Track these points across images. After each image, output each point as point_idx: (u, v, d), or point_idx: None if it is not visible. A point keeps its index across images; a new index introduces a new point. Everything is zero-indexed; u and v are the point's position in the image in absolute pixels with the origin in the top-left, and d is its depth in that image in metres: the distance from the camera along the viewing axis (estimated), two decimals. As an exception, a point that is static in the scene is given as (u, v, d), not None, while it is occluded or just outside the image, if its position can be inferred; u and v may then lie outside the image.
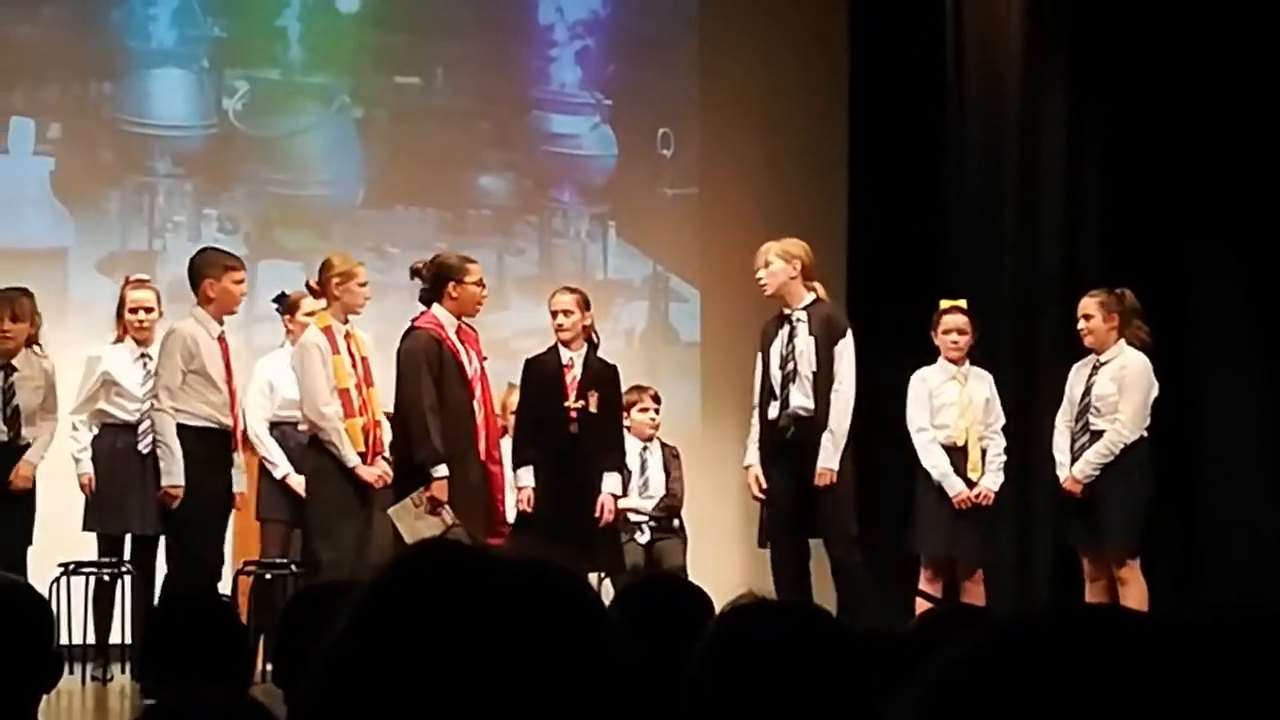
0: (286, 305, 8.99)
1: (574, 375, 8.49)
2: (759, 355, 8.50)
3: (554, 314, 8.56)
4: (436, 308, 8.25)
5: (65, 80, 10.54)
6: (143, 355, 8.71)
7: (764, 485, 8.39)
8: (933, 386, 8.73)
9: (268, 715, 2.41)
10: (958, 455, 8.69)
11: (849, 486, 8.30)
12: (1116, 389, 8.50)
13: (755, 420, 8.52)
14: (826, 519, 8.24)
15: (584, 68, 11.56)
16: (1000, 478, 8.71)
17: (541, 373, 8.55)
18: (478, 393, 8.28)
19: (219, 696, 2.51)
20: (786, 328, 8.37)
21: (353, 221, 10.94)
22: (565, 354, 8.58)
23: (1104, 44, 10.18)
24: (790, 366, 8.33)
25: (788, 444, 8.32)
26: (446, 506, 8.03)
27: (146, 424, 8.53)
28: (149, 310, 8.80)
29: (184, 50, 10.77)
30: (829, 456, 8.22)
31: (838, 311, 8.47)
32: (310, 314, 8.81)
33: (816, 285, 8.44)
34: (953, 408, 8.73)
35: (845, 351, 8.31)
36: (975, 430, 8.71)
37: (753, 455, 8.48)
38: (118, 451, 8.71)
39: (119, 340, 8.90)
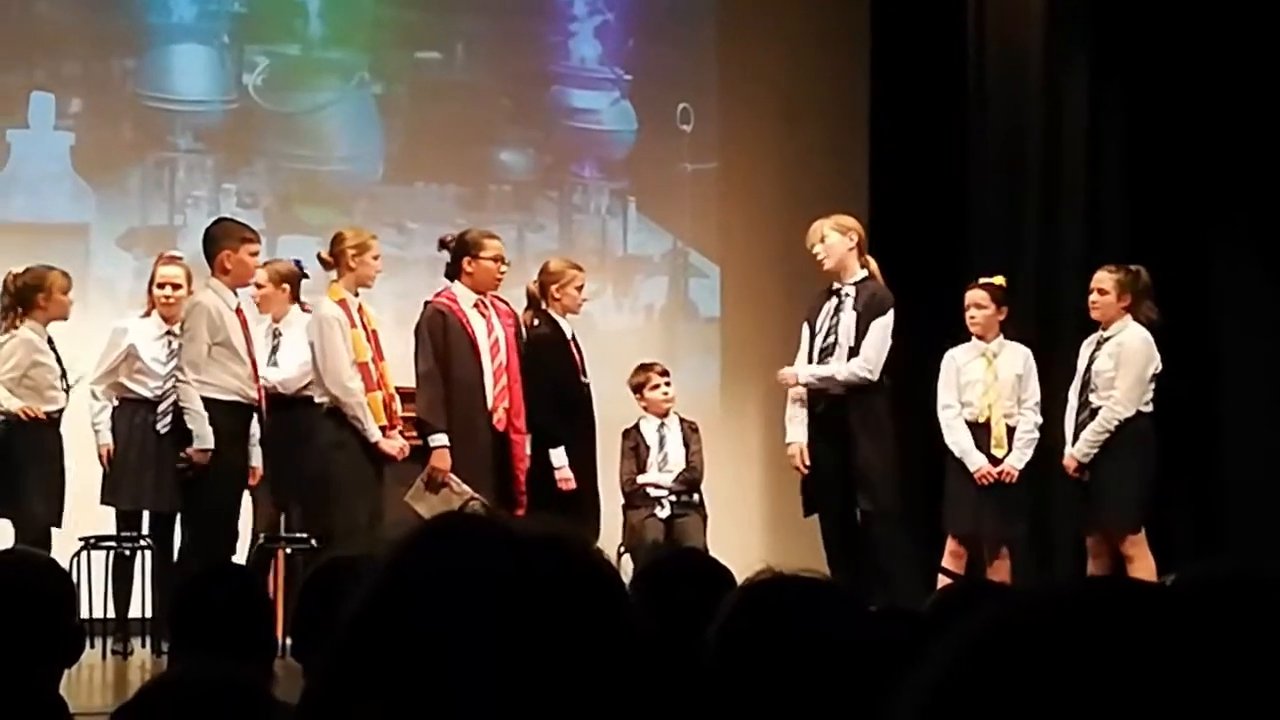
0: None
1: (576, 351, 8.65)
2: (804, 326, 8.57)
3: (579, 288, 8.70)
4: (455, 283, 8.38)
5: (86, 55, 10.55)
6: (168, 333, 8.72)
7: (808, 462, 8.44)
8: (960, 364, 8.73)
9: (267, 694, 2.42)
10: (981, 432, 8.67)
11: (890, 460, 8.36)
12: (1114, 365, 8.47)
13: (795, 396, 8.56)
14: (867, 493, 8.31)
15: (604, 43, 11.55)
16: (1027, 455, 8.66)
17: (555, 349, 8.60)
18: (494, 364, 8.32)
19: (224, 672, 2.52)
20: (834, 301, 8.48)
21: (373, 197, 10.95)
22: (566, 327, 8.68)
23: (1125, 22, 10.15)
24: (831, 339, 8.41)
25: (829, 416, 8.38)
26: (452, 477, 8.10)
27: (166, 404, 8.55)
28: (176, 286, 8.80)
29: (204, 25, 10.77)
30: (808, 372, 8.40)
31: (885, 291, 8.49)
32: (261, 285, 8.88)
33: (870, 261, 8.51)
34: (977, 384, 8.71)
35: (878, 326, 8.37)
36: (1000, 407, 8.68)
37: (793, 434, 8.53)
38: (135, 427, 8.73)
39: (147, 314, 8.93)
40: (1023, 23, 10.61)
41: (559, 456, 8.43)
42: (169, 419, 8.51)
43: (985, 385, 8.71)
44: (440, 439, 8.16)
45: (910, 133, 10.93)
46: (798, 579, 2.43)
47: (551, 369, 8.59)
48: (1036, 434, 8.71)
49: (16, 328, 8.47)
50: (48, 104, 10.41)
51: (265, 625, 3.78)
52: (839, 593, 2.45)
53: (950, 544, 8.66)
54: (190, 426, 8.01)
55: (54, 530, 8.39)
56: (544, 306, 8.70)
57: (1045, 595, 0.93)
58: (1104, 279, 8.58)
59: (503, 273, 8.45)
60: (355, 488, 8.13)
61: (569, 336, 8.71)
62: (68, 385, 8.55)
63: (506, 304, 8.62)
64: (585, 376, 8.72)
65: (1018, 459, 8.65)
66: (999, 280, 8.83)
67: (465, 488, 8.09)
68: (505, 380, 8.36)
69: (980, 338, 8.74)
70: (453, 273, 8.44)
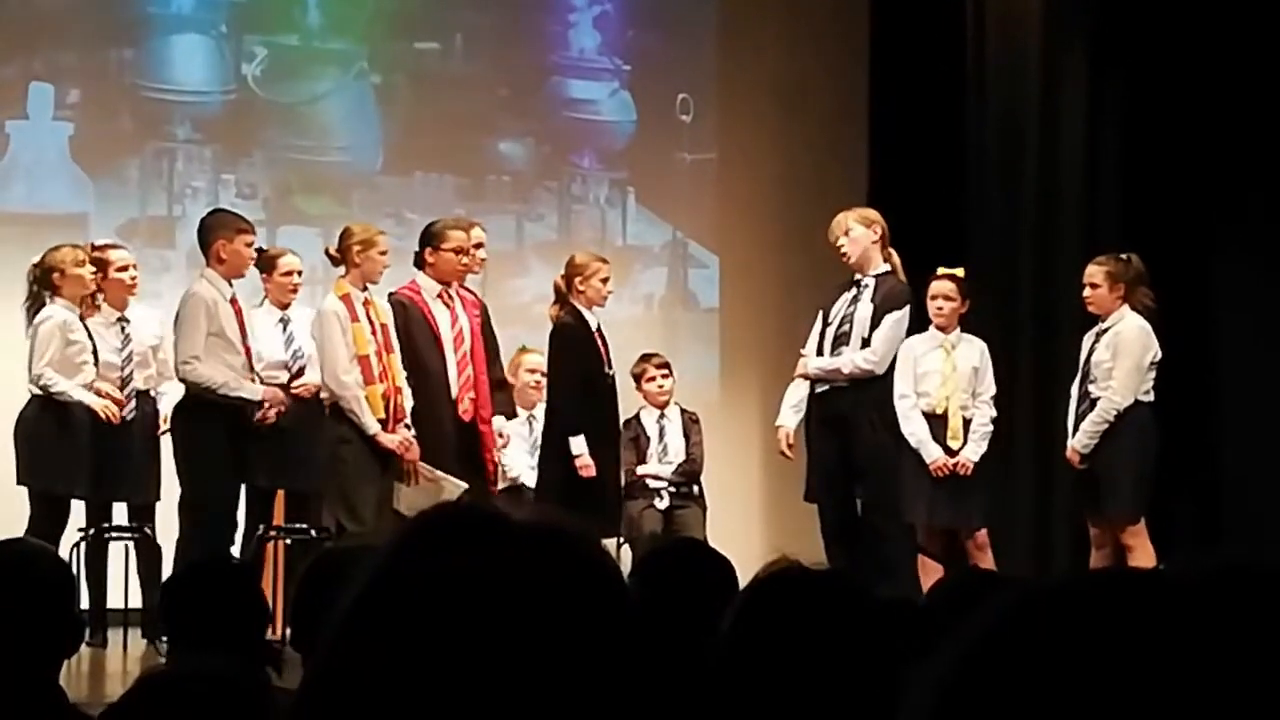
0: (262, 262, 8.94)
1: (602, 342, 8.67)
2: (819, 314, 8.60)
3: (604, 280, 8.71)
4: (419, 273, 8.45)
5: (84, 45, 10.54)
6: (120, 319, 8.67)
7: (792, 443, 8.49)
8: (918, 354, 8.70)
9: (263, 689, 2.42)
10: (938, 423, 8.66)
11: (891, 452, 8.38)
12: (1111, 355, 8.46)
13: (797, 382, 8.59)
14: (868, 484, 8.33)
15: (603, 33, 11.54)
16: (983, 447, 8.66)
17: (579, 339, 8.62)
18: (458, 354, 8.34)
19: (216, 667, 2.52)
20: (852, 292, 8.51)
21: (371, 188, 10.94)
22: (591, 319, 8.69)
23: (1124, 13, 10.15)
24: (845, 329, 8.43)
25: (832, 405, 8.40)
26: (423, 465, 8.12)
27: (129, 389, 8.55)
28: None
29: (203, 15, 10.77)
30: (815, 365, 8.43)
31: (904, 286, 8.51)
32: (287, 274, 8.85)
33: (893, 255, 8.53)
34: (935, 375, 8.69)
35: (891, 320, 8.40)
36: (957, 399, 8.67)
37: (784, 418, 8.57)
38: (103, 420, 8.59)
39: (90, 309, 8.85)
40: (1022, 13, 10.61)
41: (578, 444, 8.46)
42: (133, 404, 8.53)
43: (943, 377, 8.69)
44: (402, 429, 8.21)
45: (909, 123, 10.93)
46: (811, 570, 2.43)
47: (576, 360, 8.61)
48: (991, 426, 8.72)
49: (41, 309, 8.46)
50: (46, 94, 10.40)
51: (257, 619, 3.76)
52: (850, 584, 2.45)
53: (922, 530, 8.68)
54: (240, 397, 8.02)
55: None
56: (570, 299, 8.72)
57: (1051, 589, 0.93)
58: (1094, 272, 8.56)
59: (464, 264, 8.44)
60: (359, 482, 8.13)
61: (594, 328, 8.72)
62: (98, 361, 8.53)
63: (473, 294, 8.65)
64: (610, 368, 8.74)
65: (974, 451, 8.64)
66: (960, 271, 8.86)
67: (441, 474, 8.11)
68: (470, 370, 8.38)
69: (942, 329, 8.74)
70: (419, 262, 8.48)
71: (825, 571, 2.45)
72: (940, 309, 8.69)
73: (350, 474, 8.15)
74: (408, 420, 8.31)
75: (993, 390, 8.77)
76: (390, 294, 8.50)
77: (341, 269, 8.42)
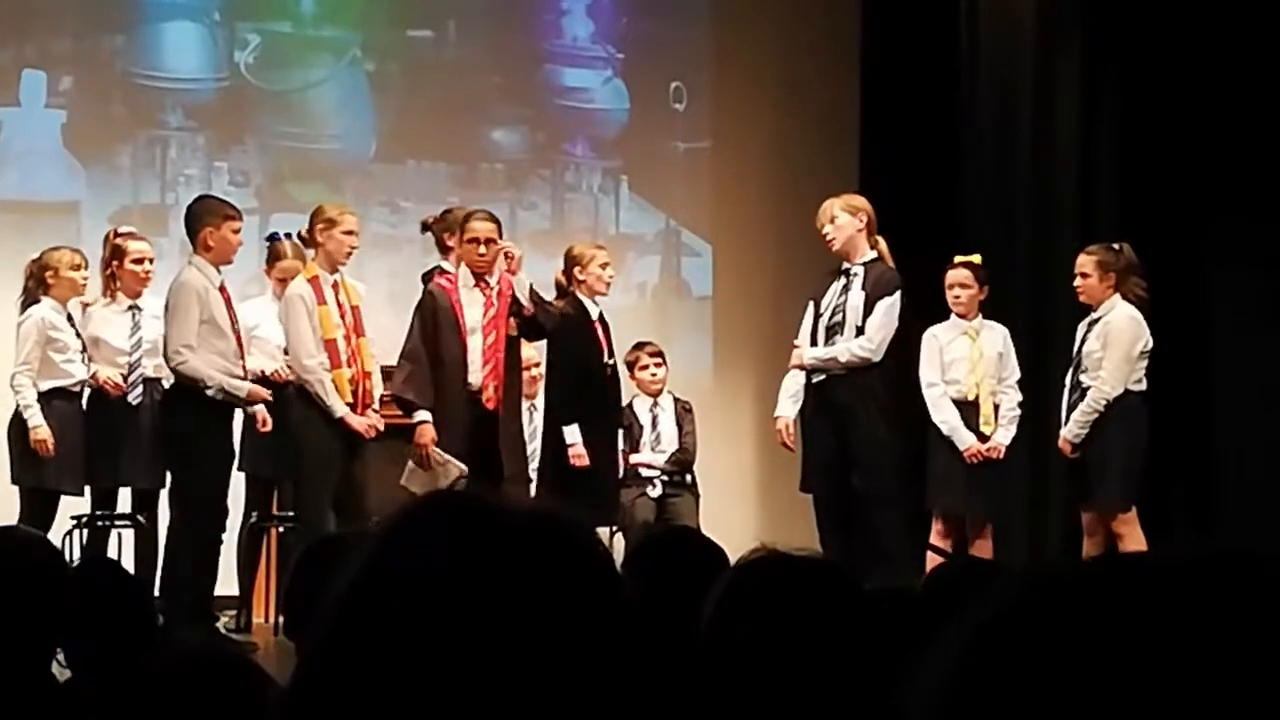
0: (271, 254, 8.94)
1: (601, 330, 8.64)
2: (809, 305, 8.57)
3: (603, 266, 8.69)
4: (461, 265, 8.35)
5: (77, 33, 10.52)
6: (131, 307, 8.68)
7: (792, 433, 8.48)
8: (943, 342, 8.72)
9: (259, 670, 2.41)
10: (969, 410, 8.67)
11: (887, 441, 8.37)
12: (1101, 345, 8.48)
13: (793, 373, 8.58)
14: (864, 474, 8.32)
15: (596, 21, 11.53)
16: (1013, 431, 8.69)
17: (574, 329, 8.60)
18: (485, 343, 8.26)
19: (216, 648, 2.52)
20: (842, 280, 8.48)
21: (365, 175, 10.93)
22: (592, 309, 8.67)
23: (1119, 1, 10.14)
24: (838, 318, 8.42)
25: (828, 394, 8.39)
26: (435, 450, 8.08)
27: (135, 375, 8.54)
28: (152, 260, 8.83)
29: (195, 3, 10.75)
30: (811, 354, 8.40)
31: (893, 272, 8.49)
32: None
33: (879, 242, 8.50)
34: (963, 362, 8.71)
35: (884, 306, 8.37)
36: (987, 385, 8.69)
37: (783, 408, 8.55)
38: (109, 406, 8.60)
39: (109, 297, 8.85)
40: (1017, 2, 10.60)
41: (572, 434, 8.45)
42: (139, 390, 8.52)
43: (971, 363, 8.71)
44: (421, 415, 8.15)
45: (902, 111, 10.92)
46: (793, 557, 2.43)
47: (572, 349, 8.59)
48: (1019, 411, 8.74)
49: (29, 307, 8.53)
50: (39, 82, 10.39)
51: (137, 613, 3.66)
52: (835, 571, 2.45)
53: (937, 522, 8.67)
54: (229, 396, 8.03)
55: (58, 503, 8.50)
56: (571, 290, 8.69)
57: (1046, 578, 0.93)
58: (1085, 262, 8.59)
59: (481, 255, 8.27)
60: (319, 464, 8.06)
61: (594, 318, 8.67)
62: (87, 359, 8.55)
63: (511, 274, 8.47)
64: (611, 358, 8.70)
65: (1005, 436, 8.67)
66: (977, 259, 8.86)
67: (449, 458, 8.09)
68: (491, 361, 8.32)
69: (962, 316, 8.75)
70: (444, 251, 8.44)
71: (803, 558, 2.45)
72: (958, 297, 8.72)
73: (314, 457, 8.09)
74: (376, 405, 8.25)
75: (1017, 374, 8.78)
76: (426, 284, 8.44)
77: (313, 251, 8.33)
